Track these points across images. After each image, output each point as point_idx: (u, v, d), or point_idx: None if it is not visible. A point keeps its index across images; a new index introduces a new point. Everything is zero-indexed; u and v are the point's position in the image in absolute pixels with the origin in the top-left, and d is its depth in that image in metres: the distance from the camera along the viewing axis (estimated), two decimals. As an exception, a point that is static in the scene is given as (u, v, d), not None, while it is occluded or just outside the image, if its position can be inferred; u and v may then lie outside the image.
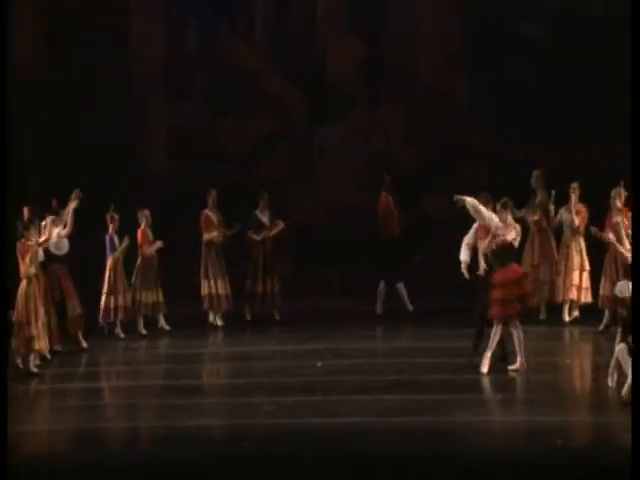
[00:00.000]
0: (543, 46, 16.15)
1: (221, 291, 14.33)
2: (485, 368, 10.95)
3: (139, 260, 13.88)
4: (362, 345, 12.73)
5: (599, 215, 13.25)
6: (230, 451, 8.85)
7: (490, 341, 10.99)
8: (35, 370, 11.68)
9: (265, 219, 14.62)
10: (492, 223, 11.04)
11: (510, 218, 11.24)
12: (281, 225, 14.60)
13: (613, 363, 10.05)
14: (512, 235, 11.08)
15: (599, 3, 16.26)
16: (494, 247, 11.06)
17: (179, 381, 11.52)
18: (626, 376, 9.61)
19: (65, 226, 12.82)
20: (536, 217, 13.93)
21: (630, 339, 9.71)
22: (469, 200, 11.10)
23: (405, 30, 16.71)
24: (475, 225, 11.41)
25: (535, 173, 14.19)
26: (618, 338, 10.03)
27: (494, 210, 11.29)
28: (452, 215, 13.27)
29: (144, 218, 13.93)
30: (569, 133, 15.74)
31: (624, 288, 10.59)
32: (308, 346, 12.85)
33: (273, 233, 14.57)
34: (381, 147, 16.76)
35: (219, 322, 14.36)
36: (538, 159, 15.36)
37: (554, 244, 14.01)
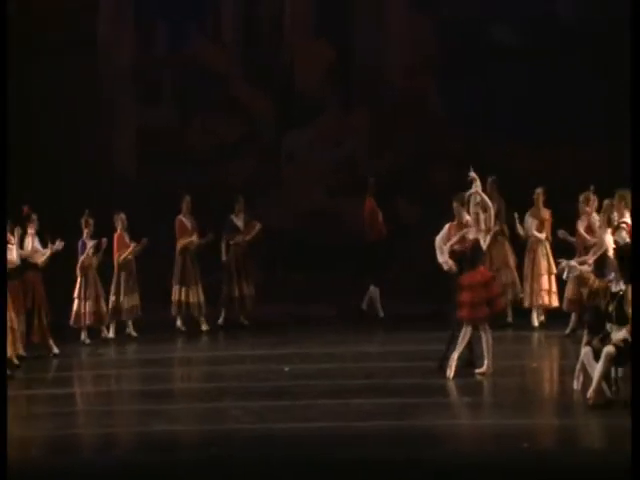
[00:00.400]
0: (515, 49, 16.24)
1: (192, 299, 14.30)
2: (451, 372, 11.00)
3: (116, 265, 13.83)
4: (331, 349, 12.74)
5: (569, 220, 13.33)
6: (199, 456, 8.83)
7: (458, 344, 11.03)
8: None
9: (240, 223, 14.64)
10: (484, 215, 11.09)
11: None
12: (258, 226, 14.61)
13: (579, 366, 10.11)
14: (472, 234, 11.08)
15: (569, 6, 16.37)
16: (460, 248, 11.08)
17: (147, 386, 11.50)
18: (591, 379, 9.67)
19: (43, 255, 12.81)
20: (496, 227, 14.05)
21: (595, 342, 9.79)
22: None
23: (375, 34, 16.77)
24: (447, 225, 11.44)
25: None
26: (584, 341, 10.10)
27: (467, 211, 11.36)
28: (425, 219, 13.45)
29: (120, 222, 13.88)
30: (542, 136, 15.84)
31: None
32: (277, 351, 12.86)
33: (251, 235, 14.55)
34: (351, 152, 16.79)
35: (204, 327, 14.35)
36: (511, 162, 15.48)
37: (510, 248, 14.09)
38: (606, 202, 11.44)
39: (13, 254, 12.17)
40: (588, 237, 12.66)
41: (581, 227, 12.97)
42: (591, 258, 10.98)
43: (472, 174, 11.27)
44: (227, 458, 8.65)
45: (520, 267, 13.98)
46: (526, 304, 13.87)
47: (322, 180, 16.79)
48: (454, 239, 11.17)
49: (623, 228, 11.14)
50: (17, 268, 12.30)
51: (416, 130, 16.54)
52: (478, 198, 11.22)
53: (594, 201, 12.83)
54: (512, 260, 14.09)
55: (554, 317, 13.67)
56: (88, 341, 13.59)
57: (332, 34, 16.74)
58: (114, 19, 16.86)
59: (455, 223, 11.36)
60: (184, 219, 14.41)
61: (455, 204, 11.97)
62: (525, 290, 13.83)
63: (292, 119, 16.80)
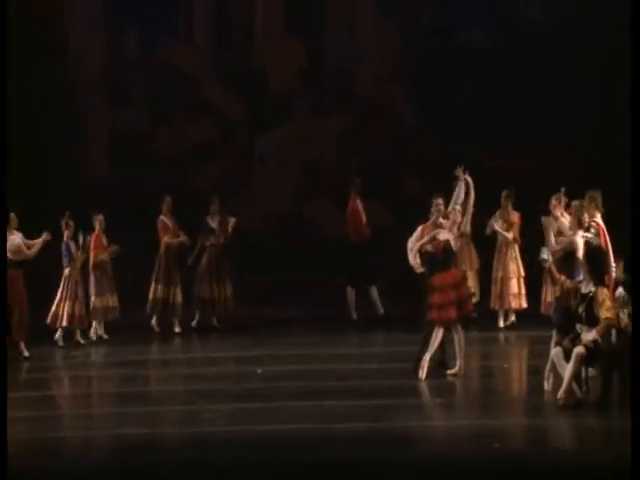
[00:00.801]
0: (483, 55, 16.31)
1: (170, 299, 14.27)
2: (423, 373, 11.03)
3: (92, 265, 13.79)
4: (303, 351, 12.73)
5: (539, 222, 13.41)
6: (173, 459, 8.80)
7: (430, 345, 11.06)
8: None
9: (215, 225, 14.63)
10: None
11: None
12: (232, 221, 14.60)
13: (549, 367, 10.16)
14: (443, 235, 11.11)
15: (537, 10, 16.46)
16: (431, 248, 11.12)
17: (119, 389, 11.47)
18: (562, 379, 9.73)
19: (29, 247, 12.76)
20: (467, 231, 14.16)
21: (566, 343, 9.85)
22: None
23: (346, 39, 16.81)
24: (420, 227, 11.46)
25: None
26: (553, 342, 10.16)
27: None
28: (396, 224, 13.50)
29: (98, 223, 13.85)
30: (511, 141, 15.92)
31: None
32: (249, 353, 12.85)
33: (227, 232, 14.50)
34: (321, 155, 16.81)
35: (177, 329, 14.32)
36: (480, 167, 15.54)
37: (475, 251, 14.17)
38: (575, 203, 11.52)
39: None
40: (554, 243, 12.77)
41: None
42: (558, 248, 10.96)
43: (459, 171, 11.29)
44: (201, 461, 8.62)
45: (489, 269, 14.06)
46: (495, 307, 13.95)
47: (292, 183, 16.79)
48: (425, 239, 11.20)
49: (594, 228, 11.21)
50: None
51: (385, 135, 16.59)
52: (460, 202, 11.22)
53: (564, 203, 12.90)
54: (476, 263, 14.19)
55: (523, 318, 13.76)
56: (62, 343, 13.54)
57: (304, 38, 16.76)
58: (85, 21, 16.79)
59: (429, 224, 11.41)
60: (165, 219, 14.40)
61: (437, 202, 11.99)
62: (494, 293, 13.91)
63: (263, 122, 16.81)
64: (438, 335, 11.02)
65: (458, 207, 11.22)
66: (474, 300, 14.08)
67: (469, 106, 16.00)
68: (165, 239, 14.33)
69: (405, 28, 16.56)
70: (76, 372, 12.36)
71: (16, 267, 12.73)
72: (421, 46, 16.37)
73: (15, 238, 12.68)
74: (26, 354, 12.80)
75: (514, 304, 13.82)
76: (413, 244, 11.39)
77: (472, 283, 14.13)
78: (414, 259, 11.34)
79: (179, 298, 14.30)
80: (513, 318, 13.92)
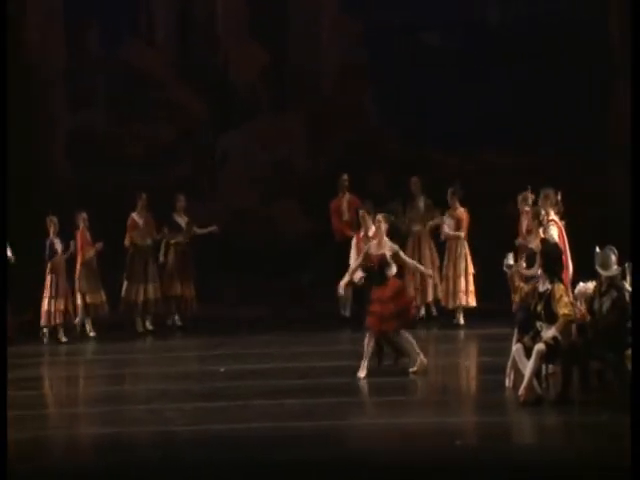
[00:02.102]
0: (447, 53, 16.32)
1: (144, 296, 14.15)
2: (363, 372, 10.94)
3: (79, 263, 13.64)
4: (266, 350, 12.67)
5: (509, 220, 13.44)
6: (132, 459, 8.70)
7: (365, 351, 10.97)
8: None
9: (182, 222, 14.52)
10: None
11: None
12: (214, 228, 14.47)
13: (510, 364, 10.15)
14: (374, 249, 10.99)
15: (498, 10, 16.50)
16: (367, 265, 11.04)
17: (81, 389, 11.35)
18: (522, 376, 9.72)
19: None
20: (417, 227, 14.17)
21: (526, 340, 9.84)
22: None
23: (308, 38, 16.75)
24: (354, 240, 11.37)
25: (413, 179, 14.36)
26: (514, 339, 10.15)
27: (373, 220, 11.35)
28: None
29: (82, 220, 13.76)
30: (476, 141, 15.94)
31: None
32: (211, 352, 12.76)
33: (205, 232, 14.41)
34: (285, 154, 16.74)
35: (149, 327, 14.23)
36: (443, 166, 15.56)
37: (434, 249, 14.19)
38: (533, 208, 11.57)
39: None
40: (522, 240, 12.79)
41: (523, 226, 13.08)
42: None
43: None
44: (165, 460, 8.53)
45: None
46: (445, 304, 13.95)
47: (257, 182, 16.71)
48: (357, 262, 11.13)
49: (552, 225, 11.22)
50: None
51: (349, 134, 16.55)
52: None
53: (532, 200, 12.89)
54: (436, 260, 14.19)
55: (474, 316, 13.77)
56: (65, 339, 13.53)
57: (266, 36, 16.69)
58: (45, 22, 16.61)
59: (361, 235, 11.34)
60: (136, 217, 14.27)
61: (361, 212, 11.99)
62: (447, 291, 13.90)
63: (227, 121, 16.71)
64: (370, 343, 10.96)
65: (380, 216, 11.10)
66: (437, 297, 14.18)
67: (433, 104, 15.99)
68: (128, 237, 14.19)
69: (369, 25, 16.52)
70: (47, 371, 12.21)
71: None
72: (385, 43, 16.34)
73: None
74: None
75: (463, 301, 13.82)
76: (353, 264, 11.34)
77: (434, 280, 14.16)
78: (351, 276, 11.23)
79: (151, 295, 14.19)
80: (461, 316, 13.91)
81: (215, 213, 16.01)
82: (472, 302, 13.86)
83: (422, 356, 11.06)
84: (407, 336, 10.99)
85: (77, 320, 13.86)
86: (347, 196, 14.72)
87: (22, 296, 13.68)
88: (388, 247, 10.96)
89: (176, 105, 16.74)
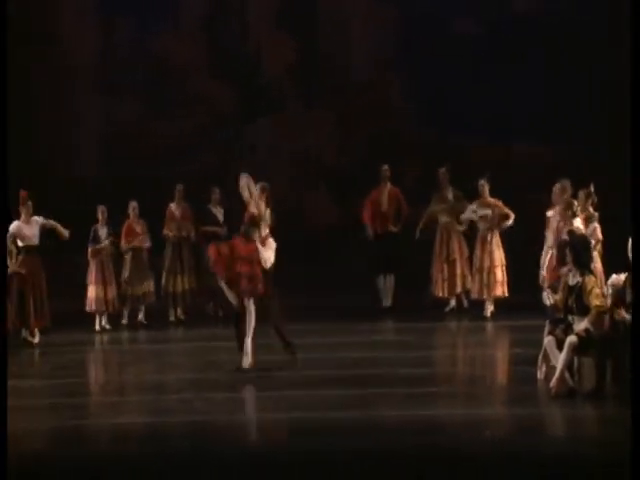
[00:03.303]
0: (477, 44, 16.22)
1: (185, 286, 14.17)
2: (248, 360, 10.87)
3: (127, 253, 13.78)
4: (299, 340, 12.61)
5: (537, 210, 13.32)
6: (166, 449, 8.70)
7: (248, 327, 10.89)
8: None
9: (218, 214, 14.47)
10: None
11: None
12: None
13: (541, 356, 10.08)
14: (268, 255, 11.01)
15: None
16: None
17: (119, 376, 11.35)
18: (554, 368, 9.64)
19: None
20: (446, 219, 14.09)
21: (558, 332, 9.75)
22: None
23: (338, 28, 16.70)
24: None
25: (441, 170, 14.26)
26: (546, 331, 10.06)
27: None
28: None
29: (132, 209, 13.81)
30: (504, 131, 15.83)
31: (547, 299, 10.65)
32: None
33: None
34: (314, 146, 16.69)
35: (181, 316, 14.33)
36: (468, 156, 15.47)
37: (464, 240, 14.13)
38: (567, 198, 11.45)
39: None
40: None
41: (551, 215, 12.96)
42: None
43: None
44: (194, 450, 8.51)
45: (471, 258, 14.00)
46: (478, 296, 13.84)
47: (284, 174, 16.67)
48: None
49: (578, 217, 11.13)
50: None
51: (379, 125, 16.48)
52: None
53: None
54: (465, 251, 14.06)
55: (504, 307, 13.67)
56: (109, 327, 13.72)
57: (296, 28, 16.65)
58: (77, 13, 16.65)
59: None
60: (173, 207, 14.32)
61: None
62: (482, 282, 13.79)
63: (255, 112, 16.68)
64: (252, 311, 10.84)
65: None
66: (467, 288, 14.10)
67: (464, 95, 15.90)
68: (166, 228, 14.22)
69: (399, 17, 16.43)
70: (70, 360, 12.23)
71: (32, 252, 12.79)
72: (416, 33, 16.25)
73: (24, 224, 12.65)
74: (36, 340, 12.90)
75: (499, 292, 13.73)
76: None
77: (462, 270, 14.09)
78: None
79: (187, 286, 14.23)
80: (492, 308, 13.81)
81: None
82: (506, 293, 13.75)
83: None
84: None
85: (124, 308, 13.92)
86: (388, 187, 14.65)
87: (70, 283, 13.82)
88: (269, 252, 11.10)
89: (205, 96, 16.73)
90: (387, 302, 14.48)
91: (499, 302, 13.82)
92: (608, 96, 15.29)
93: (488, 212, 13.72)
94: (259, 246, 10.99)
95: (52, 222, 13.02)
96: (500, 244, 13.77)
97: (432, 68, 16.14)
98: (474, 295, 13.88)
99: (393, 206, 14.41)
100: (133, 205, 13.95)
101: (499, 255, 13.74)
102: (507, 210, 13.69)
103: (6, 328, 12.19)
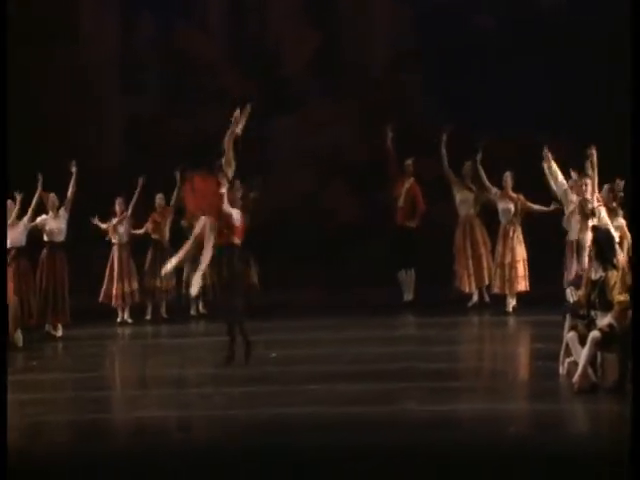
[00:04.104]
0: (498, 39, 16.13)
1: (205, 281, 14.15)
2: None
3: (157, 241, 13.89)
4: (315, 335, 12.61)
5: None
6: (181, 443, 8.68)
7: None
8: None
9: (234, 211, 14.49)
10: None
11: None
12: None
13: (563, 351, 10.01)
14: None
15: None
16: None
17: (129, 373, 11.40)
18: (576, 364, 9.56)
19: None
20: (469, 211, 14.04)
21: (580, 327, 9.67)
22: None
23: (360, 22, 16.64)
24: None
25: (465, 164, 14.22)
26: (567, 326, 9.98)
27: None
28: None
29: (158, 200, 13.79)
30: (520, 123, 15.74)
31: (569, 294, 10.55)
32: (262, 336, 12.73)
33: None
34: (336, 140, 16.63)
35: (202, 310, 14.39)
36: (494, 151, 15.41)
37: (486, 234, 14.05)
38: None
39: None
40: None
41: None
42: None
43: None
44: (211, 445, 8.50)
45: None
46: (500, 291, 13.76)
47: (306, 168, 16.63)
48: None
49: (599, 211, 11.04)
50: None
51: (401, 119, 16.40)
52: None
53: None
54: (488, 243, 14.05)
55: (525, 302, 13.61)
56: (130, 320, 13.80)
57: (318, 22, 16.60)
58: (98, 7, 16.66)
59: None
60: None
61: None
62: (502, 276, 13.70)
63: (278, 107, 16.64)
64: None
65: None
66: (486, 283, 14.03)
67: (486, 91, 15.81)
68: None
69: (421, 9, 16.36)
70: (96, 356, 12.26)
71: (54, 247, 12.86)
72: (437, 27, 16.17)
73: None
74: (60, 334, 13.01)
75: (522, 287, 13.65)
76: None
77: (488, 263, 14.02)
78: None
79: (207, 281, 14.20)
80: (514, 302, 13.72)
81: (265, 199, 15.94)
82: (527, 287, 13.69)
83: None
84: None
85: (147, 302, 13.97)
86: (408, 182, 14.60)
87: (90, 276, 13.87)
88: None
89: (227, 90, 16.69)
90: (408, 296, 14.45)
91: (521, 297, 13.74)
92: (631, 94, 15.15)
93: (508, 206, 13.69)
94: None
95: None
96: (522, 238, 13.70)
97: (454, 62, 16.05)
98: (496, 290, 13.81)
99: (409, 202, 14.34)
100: (159, 197, 13.93)
101: (521, 250, 13.69)
102: (529, 204, 13.62)
103: (22, 324, 12.28)
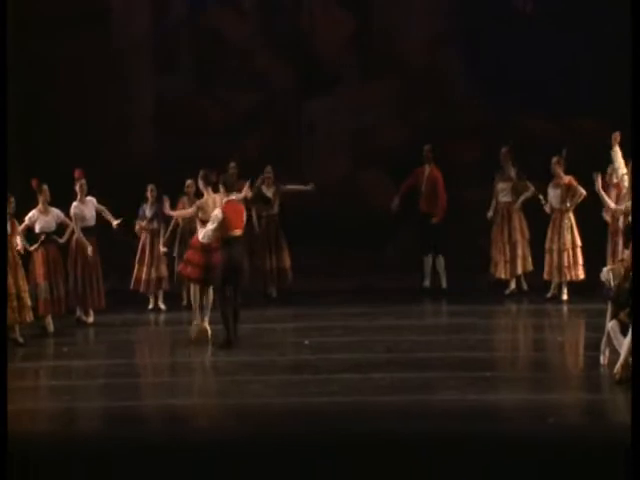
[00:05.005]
0: (535, 19, 16.04)
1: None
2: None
3: (180, 231, 13.88)
4: (351, 323, 12.66)
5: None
6: (216, 431, 8.79)
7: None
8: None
9: (270, 193, 14.54)
10: None
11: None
12: (309, 187, 14.40)
13: (605, 340, 10.00)
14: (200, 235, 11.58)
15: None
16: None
17: (166, 359, 11.51)
18: (618, 353, 9.56)
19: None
20: (507, 198, 14.00)
21: (622, 316, 9.66)
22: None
23: (395, 2, 16.58)
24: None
25: (503, 149, 14.15)
26: (609, 315, 9.97)
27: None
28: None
29: (188, 188, 13.86)
30: (562, 106, 15.67)
31: (605, 274, 10.47)
32: (296, 324, 12.82)
33: (296, 189, 14.40)
34: (372, 123, 16.63)
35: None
36: (531, 134, 15.33)
37: (524, 220, 13.99)
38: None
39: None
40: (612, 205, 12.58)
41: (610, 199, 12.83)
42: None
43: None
44: (245, 433, 8.59)
45: (541, 238, 13.86)
46: (547, 277, 13.73)
47: (342, 152, 16.65)
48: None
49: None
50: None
51: (438, 101, 16.38)
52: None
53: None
54: (526, 232, 14.01)
55: (579, 289, 13.56)
56: (164, 307, 13.95)
57: (352, 1, 16.57)
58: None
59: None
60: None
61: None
62: (550, 264, 13.67)
63: (312, 89, 16.65)
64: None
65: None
66: (528, 270, 14.00)
67: (523, 71, 15.75)
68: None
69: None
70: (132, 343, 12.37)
71: (87, 233, 12.98)
72: (476, 8, 16.11)
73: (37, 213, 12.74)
74: (91, 320, 13.15)
75: (568, 276, 13.60)
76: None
77: (523, 252, 14.00)
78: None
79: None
80: (565, 291, 13.67)
81: (300, 182, 15.98)
82: (580, 275, 13.56)
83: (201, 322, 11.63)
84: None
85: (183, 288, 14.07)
86: (428, 168, 14.59)
87: (123, 263, 13.98)
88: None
89: (261, 72, 16.74)
90: (443, 283, 14.45)
91: (575, 285, 13.56)
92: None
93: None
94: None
95: (101, 207, 13.17)
96: (572, 225, 13.57)
97: (491, 44, 15.98)
98: (545, 277, 13.71)
99: (430, 188, 14.36)
100: (188, 183, 13.97)
101: (569, 237, 13.55)
102: (581, 190, 13.45)
103: (47, 311, 12.45)
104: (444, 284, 14.51)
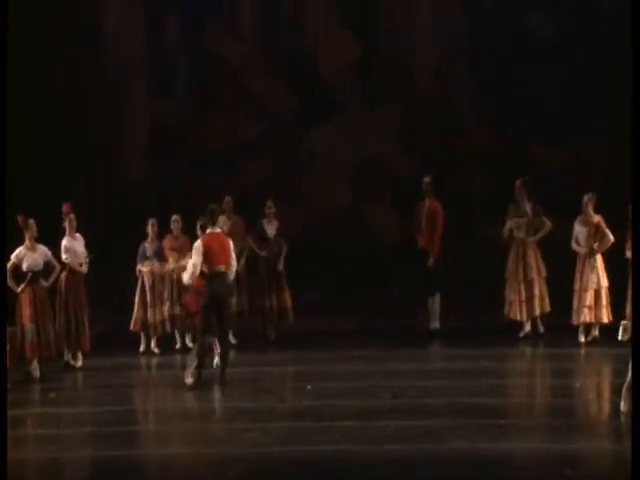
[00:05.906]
0: (545, 43, 16.10)
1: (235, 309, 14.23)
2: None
3: (170, 271, 13.85)
4: (354, 367, 12.61)
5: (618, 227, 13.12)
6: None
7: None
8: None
9: (271, 231, 14.45)
10: None
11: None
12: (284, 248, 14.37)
13: (626, 386, 9.95)
14: (185, 277, 11.57)
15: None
16: None
17: (161, 406, 11.47)
18: None
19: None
20: (522, 234, 13.91)
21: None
22: None
23: (401, 27, 16.63)
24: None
25: (517, 182, 14.07)
26: (631, 360, 9.91)
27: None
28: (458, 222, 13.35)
29: (173, 223, 13.84)
30: (574, 134, 15.69)
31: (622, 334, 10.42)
32: (297, 367, 12.77)
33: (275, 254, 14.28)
34: (377, 153, 16.64)
35: (232, 340, 14.27)
36: (540, 162, 15.34)
37: (541, 258, 13.91)
38: None
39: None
40: None
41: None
42: None
43: None
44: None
45: (561, 277, 13.75)
46: (573, 321, 13.60)
47: (345, 182, 16.66)
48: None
49: None
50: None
51: (445, 130, 16.41)
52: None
53: None
54: (543, 270, 13.92)
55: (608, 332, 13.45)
56: (157, 350, 13.90)
57: (357, 26, 16.62)
58: (122, 5, 16.79)
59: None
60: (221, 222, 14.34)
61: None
62: (573, 306, 13.55)
63: (314, 116, 16.66)
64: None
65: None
66: (546, 311, 13.90)
67: (533, 99, 15.78)
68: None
69: (466, 15, 16.37)
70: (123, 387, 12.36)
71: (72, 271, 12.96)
72: (485, 31, 16.17)
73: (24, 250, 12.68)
74: (79, 364, 13.11)
75: (588, 317, 13.46)
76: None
77: (541, 291, 13.90)
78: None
79: (237, 308, 14.20)
80: (596, 333, 13.47)
81: (300, 215, 16.00)
82: (605, 319, 13.39)
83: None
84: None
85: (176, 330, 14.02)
86: (428, 202, 14.49)
87: (119, 302, 13.93)
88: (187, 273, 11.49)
89: (260, 97, 16.76)
90: (434, 324, 14.32)
91: (604, 327, 13.41)
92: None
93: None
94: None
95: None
96: (597, 266, 13.41)
97: (500, 69, 16.04)
98: (572, 320, 13.58)
99: (431, 225, 14.23)
100: (174, 218, 13.92)
101: (594, 278, 13.44)
102: (609, 235, 13.33)
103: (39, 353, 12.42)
104: (433, 325, 14.32)
